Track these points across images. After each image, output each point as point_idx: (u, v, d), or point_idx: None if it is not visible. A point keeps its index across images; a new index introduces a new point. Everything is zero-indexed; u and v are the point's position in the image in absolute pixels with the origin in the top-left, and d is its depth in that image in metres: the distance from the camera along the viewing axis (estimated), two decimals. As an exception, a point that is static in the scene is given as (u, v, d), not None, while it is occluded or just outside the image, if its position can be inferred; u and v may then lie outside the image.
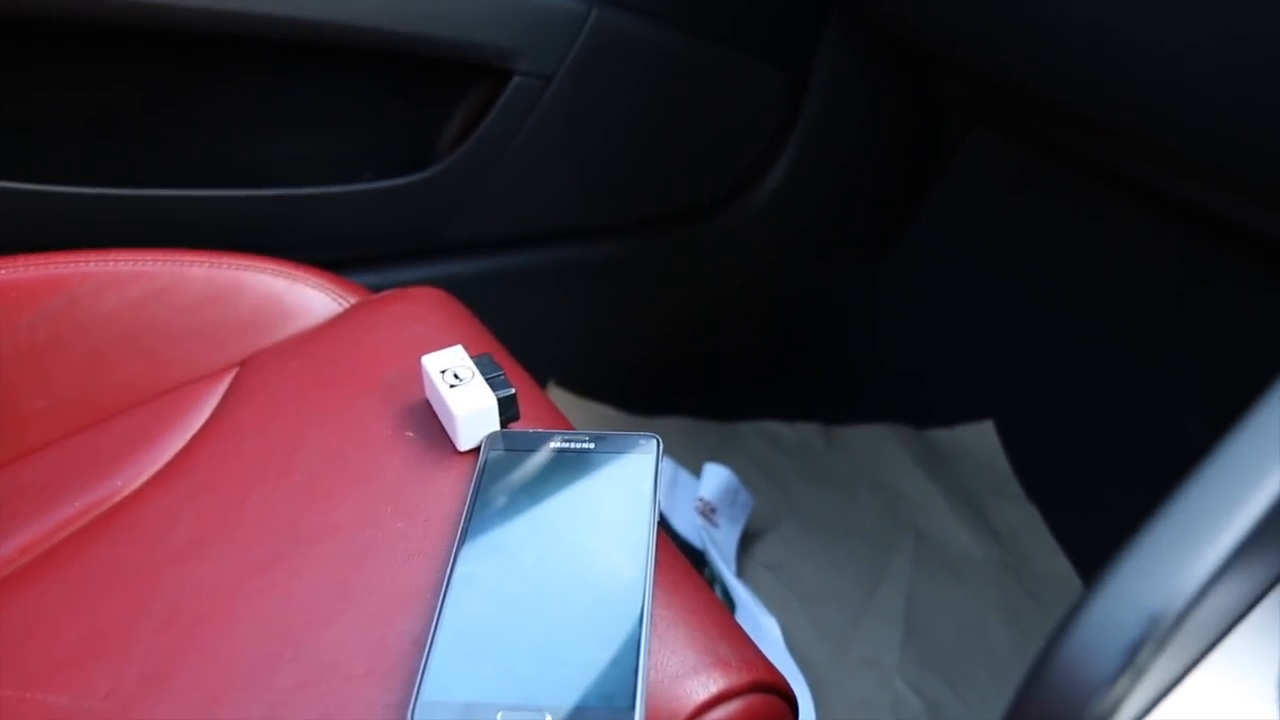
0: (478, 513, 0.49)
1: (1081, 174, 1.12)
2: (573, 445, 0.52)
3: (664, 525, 0.50)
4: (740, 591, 0.90)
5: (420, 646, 0.44)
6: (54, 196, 0.78)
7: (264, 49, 0.82)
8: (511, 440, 0.53)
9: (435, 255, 0.97)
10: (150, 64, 0.81)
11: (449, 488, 0.51)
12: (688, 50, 0.96)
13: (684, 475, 1.03)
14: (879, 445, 1.18)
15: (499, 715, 0.40)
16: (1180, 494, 0.32)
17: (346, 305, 0.66)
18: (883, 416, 1.21)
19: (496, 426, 0.53)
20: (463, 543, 0.47)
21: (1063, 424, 1.12)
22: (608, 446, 0.52)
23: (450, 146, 0.91)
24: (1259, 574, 0.32)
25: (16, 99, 0.78)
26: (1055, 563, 1.04)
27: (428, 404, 0.56)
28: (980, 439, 1.16)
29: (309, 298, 0.66)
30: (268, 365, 0.61)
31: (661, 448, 0.52)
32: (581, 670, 0.41)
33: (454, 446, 0.53)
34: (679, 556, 0.51)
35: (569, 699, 0.40)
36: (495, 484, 0.50)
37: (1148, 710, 0.30)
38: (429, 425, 0.55)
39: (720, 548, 0.96)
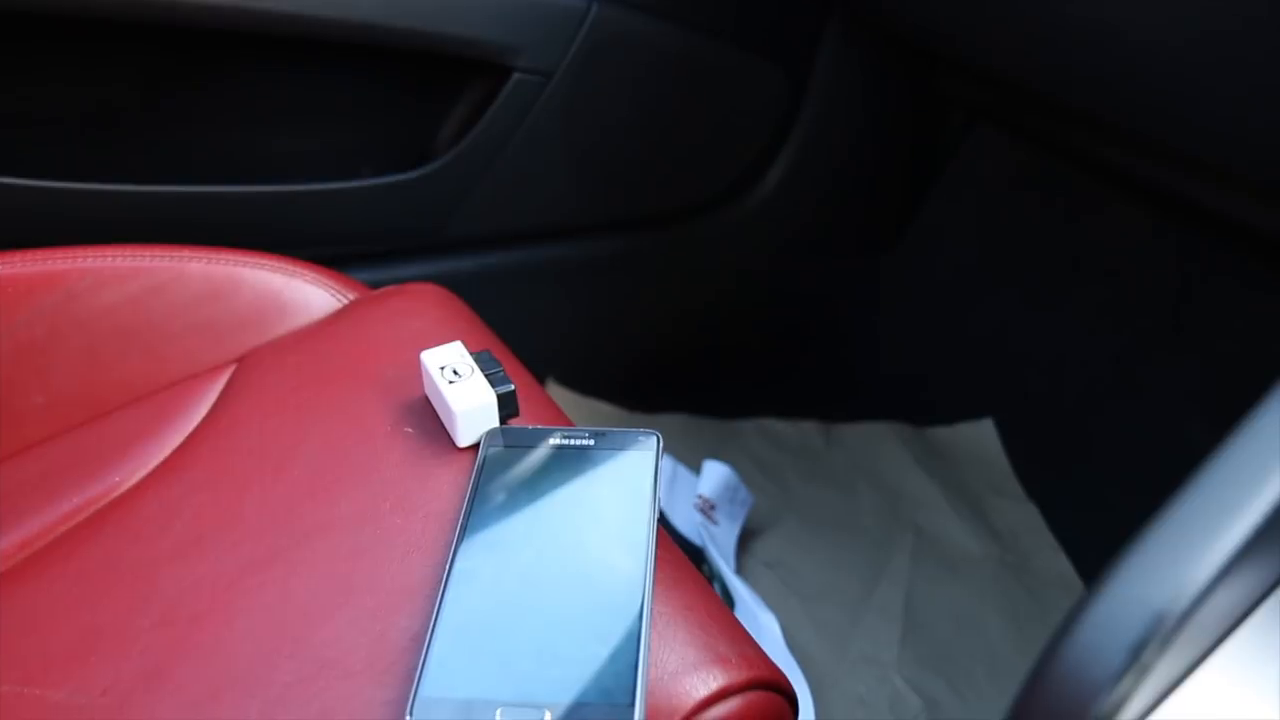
0: (477, 509, 0.48)
1: (1082, 173, 1.12)
2: (572, 441, 0.52)
3: (663, 522, 0.50)
4: (739, 589, 0.90)
5: (419, 643, 0.43)
6: (52, 192, 0.78)
7: (263, 45, 0.81)
8: (511, 436, 0.52)
9: (434, 252, 0.97)
10: (150, 59, 0.81)
11: (448, 484, 0.51)
12: (688, 47, 0.96)
13: (683, 472, 1.03)
14: (879, 443, 1.18)
15: (498, 712, 0.40)
16: (1185, 492, 0.32)
17: (345, 301, 0.66)
18: (883, 414, 1.21)
19: (496, 423, 0.53)
20: (462, 539, 0.47)
21: (1062, 423, 1.12)
22: (607, 443, 0.52)
23: (450, 143, 0.91)
24: (1263, 572, 0.32)
25: (16, 94, 0.78)
26: (1054, 561, 1.04)
27: (427, 400, 0.56)
28: (980, 437, 1.16)
29: (308, 294, 0.66)
30: (266, 361, 0.61)
31: (661, 444, 0.52)
32: (581, 667, 0.41)
33: (453, 443, 0.53)
34: (679, 553, 0.51)
35: (568, 696, 0.40)
36: (494, 480, 0.50)
37: (1151, 708, 0.30)
38: (428, 421, 0.54)
39: (719, 545, 0.96)
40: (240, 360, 0.62)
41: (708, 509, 0.98)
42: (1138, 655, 0.29)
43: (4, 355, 0.60)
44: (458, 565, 0.46)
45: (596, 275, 1.07)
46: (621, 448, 0.51)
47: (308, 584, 0.47)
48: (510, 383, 0.53)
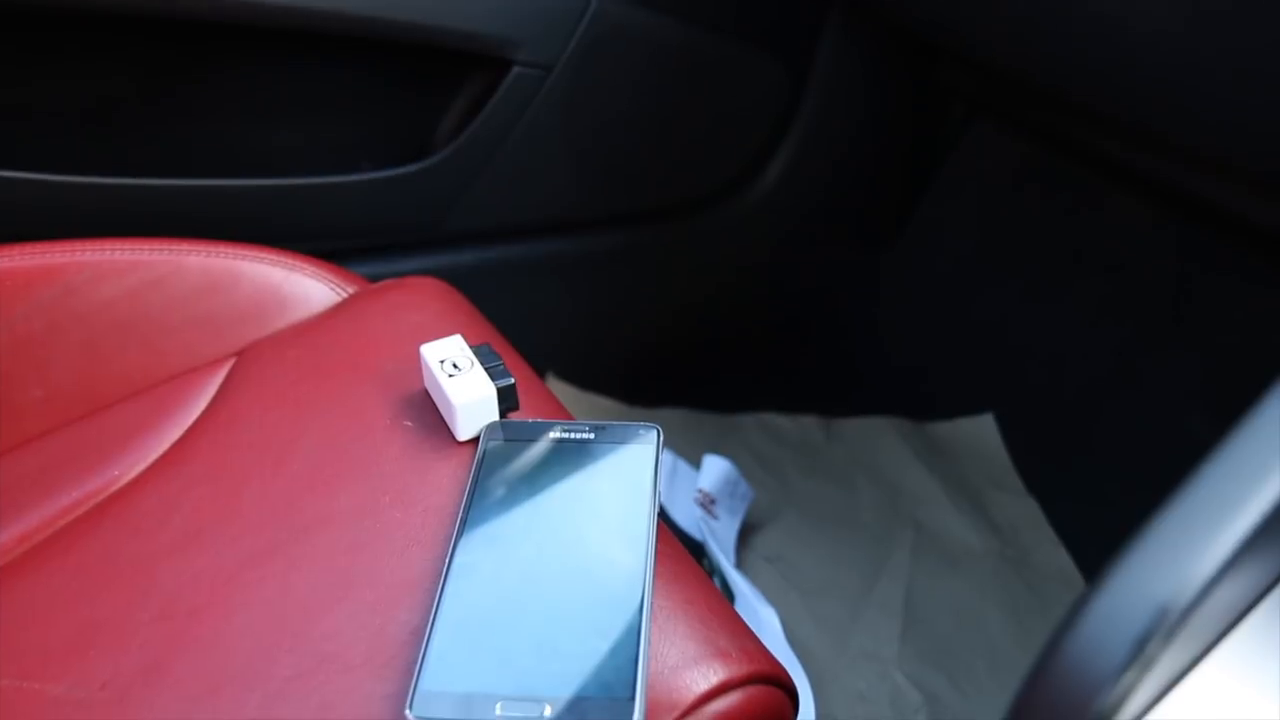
0: (477, 503, 0.48)
1: (1082, 166, 1.11)
2: (572, 435, 0.52)
3: (663, 516, 0.50)
4: (739, 583, 0.89)
5: (419, 637, 0.43)
6: (51, 185, 0.78)
7: (263, 38, 0.81)
8: (511, 430, 0.52)
9: (434, 246, 0.97)
10: (149, 53, 0.81)
11: (448, 478, 0.51)
12: (689, 40, 0.95)
13: (683, 466, 1.03)
14: (879, 438, 1.18)
15: (498, 706, 0.40)
16: (1189, 486, 0.32)
17: (345, 295, 0.66)
18: (883, 409, 1.21)
19: (496, 416, 0.53)
20: (461, 533, 0.47)
21: (1063, 417, 1.12)
22: (608, 437, 0.52)
23: (449, 137, 0.91)
24: (1267, 566, 0.32)
25: (15, 87, 0.78)
26: (1055, 556, 1.04)
27: (426, 394, 0.55)
28: (980, 432, 1.16)
29: (307, 287, 0.66)
30: (265, 355, 0.61)
31: (662, 438, 0.52)
32: (581, 661, 0.41)
33: (453, 436, 0.53)
34: (679, 547, 0.50)
35: (569, 689, 0.40)
36: (494, 474, 0.50)
37: (1154, 703, 0.30)
38: (428, 415, 0.54)
39: (719, 539, 0.96)
40: (239, 354, 0.62)
41: (708, 503, 0.98)
42: (1141, 649, 0.29)
43: (2, 349, 0.60)
44: (458, 559, 0.46)
45: (596, 269, 1.07)
46: (622, 442, 0.51)
47: (307, 578, 0.47)
48: (510, 376, 0.53)
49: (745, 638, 0.46)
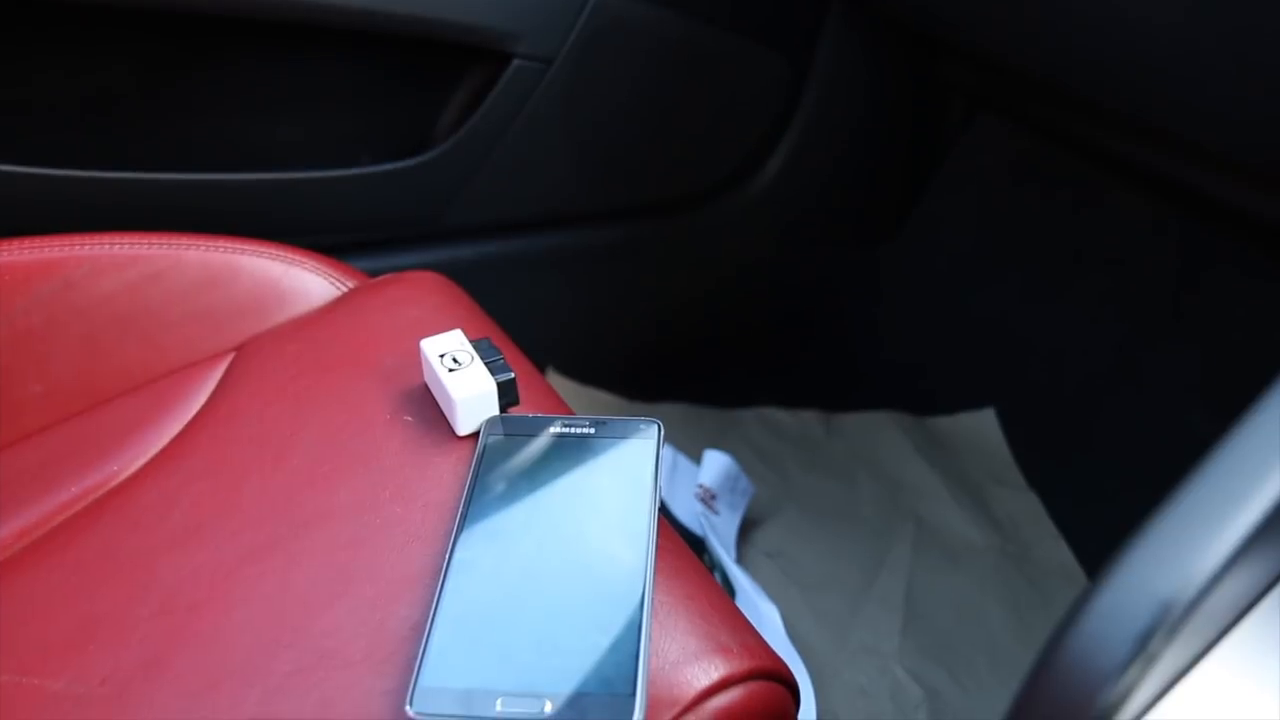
0: (477, 498, 0.48)
1: (1083, 161, 1.11)
2: (573, 430, 0.52)
3: (664, 512, 0.50)
4: (740, 579, 0.89)
5: (419, 632, 0.43)
6: (50, 179, 0.78)
7: (262, 31, 0.81)
8: (511, 425, 0.52)
9: (433, 240, 0.97)
10: (148, 46, 0.80)
11: (448, 473, 0.51)
12: (689, 34, 0.95)
13: (684, 462, 1.03)
14: (879, 433, 1.18)
15: (498, 702, 0.40)
16: (1192, 481, 0.32)
17: (344, 289, 0.66)
18: (883, 404, 1.21)
19: (496, 411, 0.53)
20: (462, 528, 0.47)
21: (1063, 412, 1.12)
22: (608, 431, 0.51)
23: (449, 130, 0.90)
24: (1270, 562, 0.32)
25: (14, 81, 0.78)
26: (1056, 551, 1.04)
27: (426, 388, 0.55)
28: (981, 427, 1.16)
29: (306, 282, 0.65)
30: (265, 349, 0.61)
31: (663, 433, 0.52)
32: (582, 657, 0.41)
33: (453, 431, 0.53)
34: (680, 542, 0.50)
35: (569, 685, 0.40)
36: (494, 469, 0.50)
37: (1157, 698, 0.30)
38: (427, 410, 0.54)
39: (720, 535, 0.96)
40: (239, 348, 0.62)
41: (708, 498, 0.98)
42: (1145, 645, 0.29)
43: (2, 343, 0.60)
44: (458, 554, 0.46)
45: (596, 264, 1.06)
46: (622, 436, 0.51)
47: (307, 573, 0.47)
48: (510, 371, 0.53)
49: (746, 633, 0.46)
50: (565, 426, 0.52)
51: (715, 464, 1.00)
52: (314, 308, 0.65)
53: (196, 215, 0.83)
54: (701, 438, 1.12)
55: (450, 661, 0.41)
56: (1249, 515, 0.31)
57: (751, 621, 0.47)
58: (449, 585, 0.44)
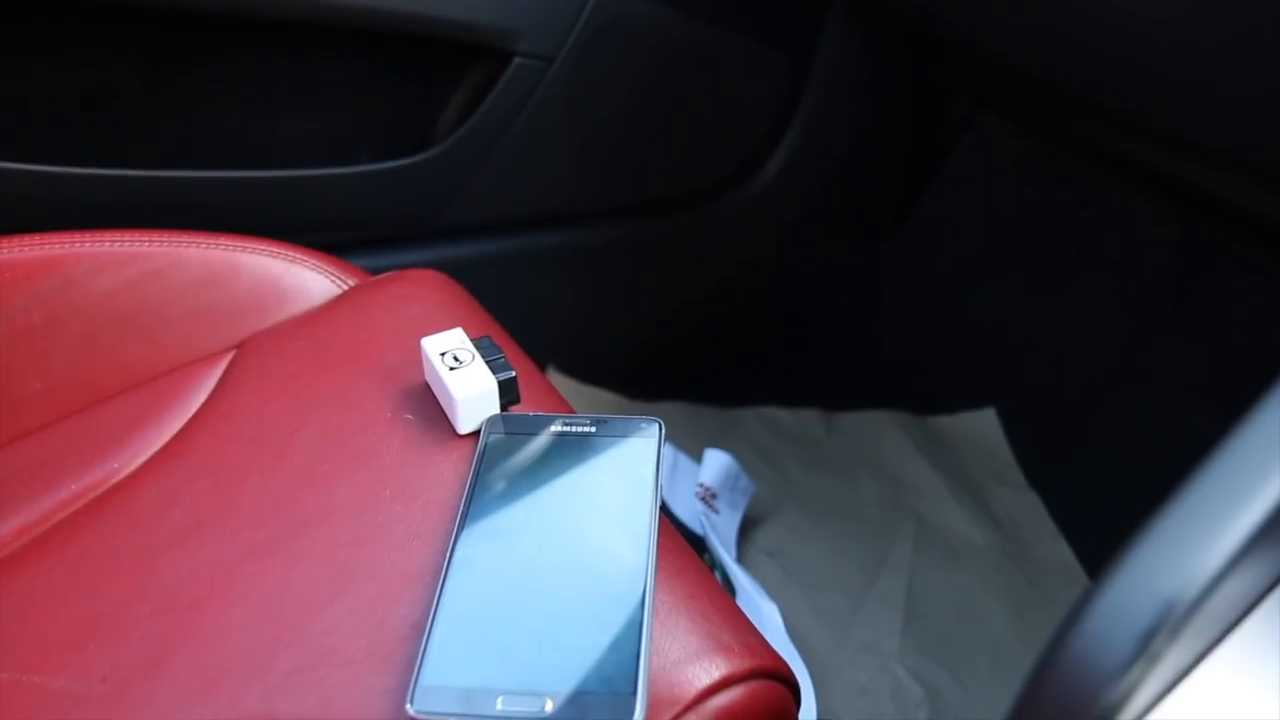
0: (477, 496, 0.48)
1: (1084, 160, 1.11)
2: (574, 429, 0.52)
3: (664, 510, 0.50)
4: (741, 577, 0.89)
5: (419, 631, 0.43)
6: (50, 176, 0.78)
7: (264, 28, 0.81)
8: (512, 423, 0.52)
9: (434, 238, 0.96)
10: (149, 43, 0.80)
11: (448, 471, 0.51)
12: (690, 33, 0.95)
13: (684, 460, 1.03)
14: (880, 432, 1.18)
15: (499, 700, 0.40)
16: (1194, 480, 0.32)
17: (345, 287, 0.66)
18: (884, 403, 1.21)
19: (497, 410, 0.53)
20: (462, 527, 0.47)
21: (1065, 411, 1.12)
22: (609, 430, 0.51)
23: (450, 128, 0.90)
24: (1272, 562, 0.32)
25: (14, 78, 0.78)
26: (1056, 550, 1.04)
27: (427, 387, 0.55)
28: (982, 426, 1.16)
29: (307, 279, 0.65)
30: (265, 347, 0.60)
31: (664, 431, 0.51)
32: (583, 655, 0.41)
33: (453, 429, 0.53)
34: (681, 541, 0.50)
35: (570, 684, 0.40)
36: (495, 468, 0.50)
37: (1160, 698, 0.30)
38: (428, 408, 0.54)
39: (721, 534, 0.96)
40: (239, 346, 0.62)
41: (709, 497, 0.98)
42: (1147, 645, 0.29)
43: (2, 341, 0.60)
44: (458, 553, 0.46)
45: (597, 262, 1.06)
46: (623, 435, 0.51)
47: (307, 571, 0.47)
48: (511, 369, 0.53)
49: (747, 632, 0.46)
50: (566, 425, 0.52)
51: (716, 463, 1.00)
52: (315, 305, 0.64)
53: (197, 213, 0.83)
54: (702, 436, 1.12)
55: (451, 660, 0.41)
56: (1251, 514, 0.31)
57: (752, 620, 0.47)
58: (450, 583, 0.44)
